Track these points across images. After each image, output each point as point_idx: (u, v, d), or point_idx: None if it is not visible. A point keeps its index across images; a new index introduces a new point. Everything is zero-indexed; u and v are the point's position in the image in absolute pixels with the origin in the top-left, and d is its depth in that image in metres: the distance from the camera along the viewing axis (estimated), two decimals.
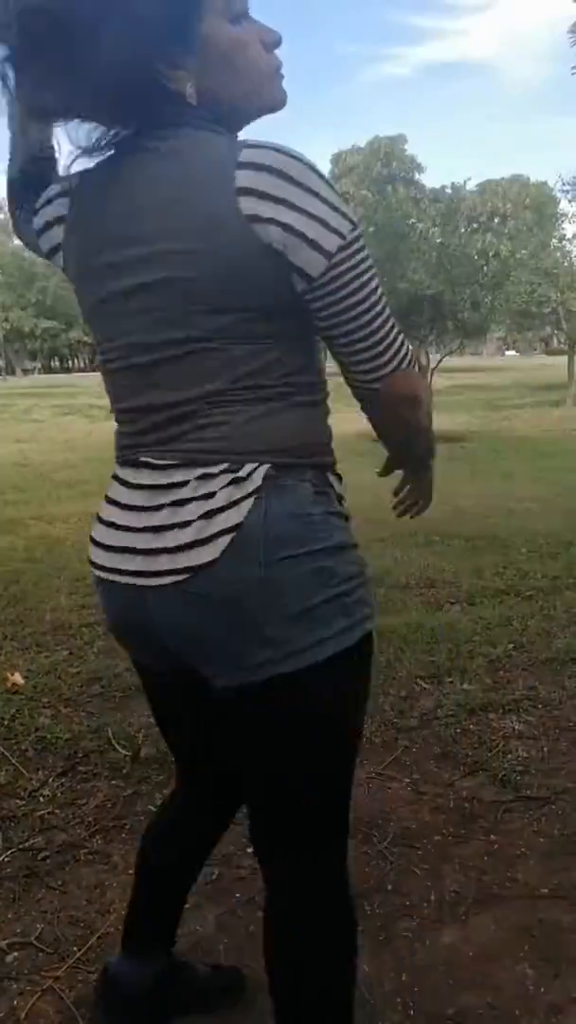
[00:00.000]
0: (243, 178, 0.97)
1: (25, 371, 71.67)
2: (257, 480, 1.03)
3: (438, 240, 12.61)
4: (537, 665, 3.22)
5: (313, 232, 0.98)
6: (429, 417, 1.17)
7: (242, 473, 1.04)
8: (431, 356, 14.00)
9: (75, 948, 1.76)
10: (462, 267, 12.13)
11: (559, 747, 2.58)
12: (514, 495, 7.11)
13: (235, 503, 1.03)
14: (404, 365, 1.09)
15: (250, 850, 2.06)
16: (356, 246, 1.02)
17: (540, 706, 2.86)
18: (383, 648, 3.39)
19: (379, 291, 1.05)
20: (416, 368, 1.11)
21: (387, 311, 1.06)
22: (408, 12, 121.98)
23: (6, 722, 2.81)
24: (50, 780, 2.44)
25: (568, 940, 1.75)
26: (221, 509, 1.03)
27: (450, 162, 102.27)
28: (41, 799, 2.35)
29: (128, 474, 1.12)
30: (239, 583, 1.03)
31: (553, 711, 2.83)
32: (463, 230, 14.03)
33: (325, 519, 1.08)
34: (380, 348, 1.06)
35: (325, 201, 0.99)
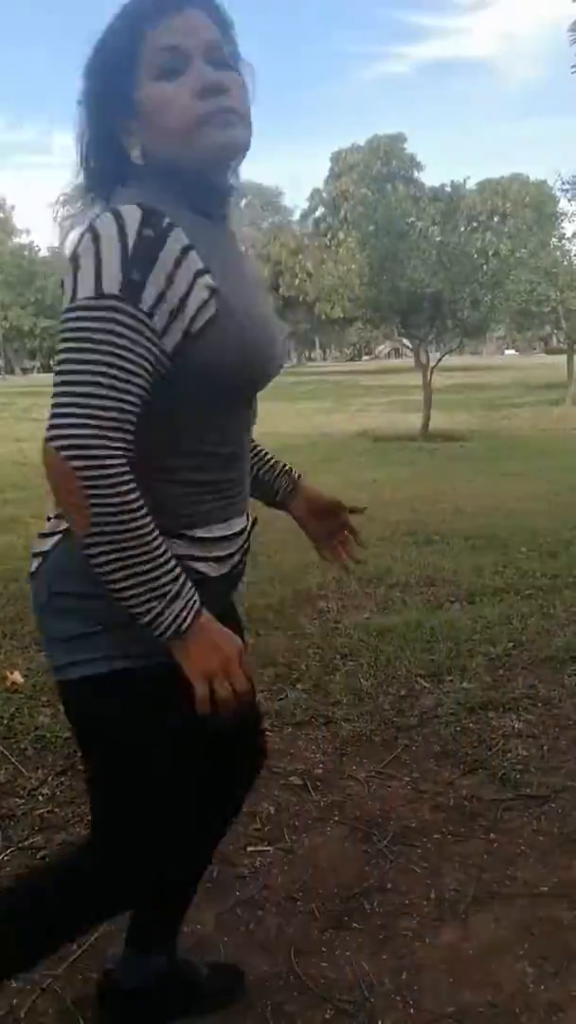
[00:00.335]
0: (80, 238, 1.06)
1: (24, 370, 71.59)
2: (65, 523, 1.12)
3: (438, 239, 12.60)
4: (537, 663, 3.22)
5: (64, 291, 1.03)
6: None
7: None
8: (431, 355, 13.99)
9: (74, 947, 1.76)
10: (462, 266, 12.13)
11: (559, 745, 2.58)
12: (514, 494, 7.10)
13: (50, 535, 1.18)
14: (52, 440, 0.98)
15: (250, 848, 2.07)
16: (76, 313, 1.00)
17: (540, 704, 2.86)
18: (383, 647, 3.39)
19: (72, 365, 0.98)
20: (67, 461, 0.97)
21: (69, 387, 0.98)
22: (407, 10, 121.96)
23: (5, 721, 2.80)
24: (49, 779, 2.44)
25: (568, 938, 1.75)
26: (44, 535, 1.20)
27: (450, 161, 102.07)
28: (40, 798, 2.35)
29: None
30: (36, 599, 1.22)
31: (553, 709, 2.82)
32: (463, 229, 14.01)
33: None
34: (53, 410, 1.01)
35: (96, 262, 1.00)
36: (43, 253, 71.89)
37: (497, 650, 3.34)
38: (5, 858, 2.08)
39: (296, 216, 59.38)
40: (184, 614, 1.05)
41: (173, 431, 1.12)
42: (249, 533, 1.29)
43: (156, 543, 1.02)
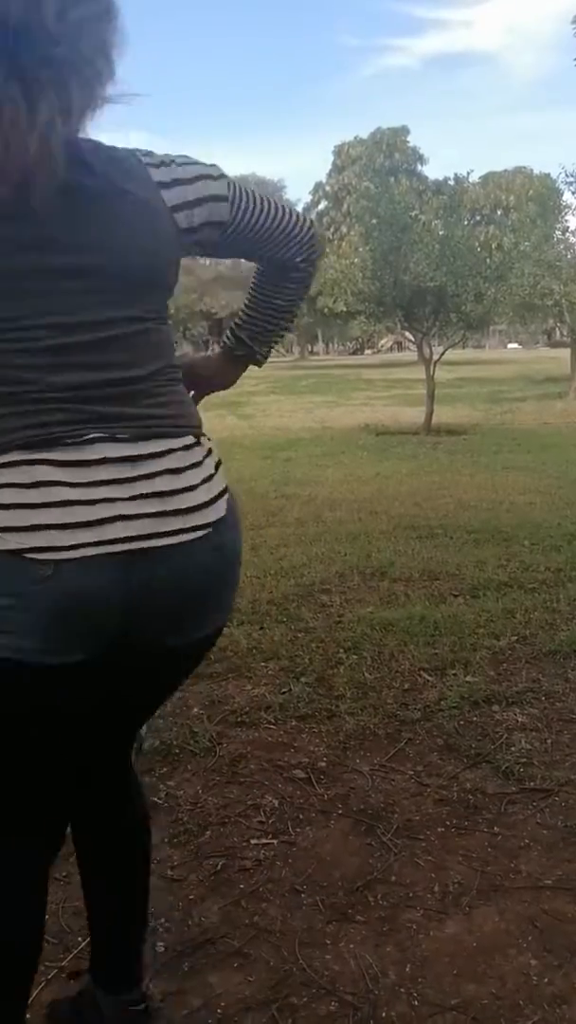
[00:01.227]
0: None
1: None
2: (216, 452, 1.23)
3: (441, 232, 12.56)
4: (540, 657, 3.22)
5: None
6: None
7: (208, 445, 1.22)
8: (434, 349, 13.96)
9: (79, 939, 1.77)
10: (465, 259, 12.08)
11: (562, 739, 2.58)
12: (517, 488, 7.10)
13: (218, 471, 1.21)
14: None
15: (254, 841, 2.07)
16: None
17: (543, 698, 2.86)
18: (386, 641, 3.40)
19: None
20: None
21: None
22: (412, 3, 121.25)
23: None
24: None
25: (571, 931, 1.76)
26: (212, 476, 1.19)
27: (453, 154, 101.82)
28: None
29: (71, 453, 1.10)
30: (236, 538, 1.23)
31: (556, 703, 2.83)
32: (466, 222, 13.98)
33: None
34: None
35: None
36: None
37: (500, 644, 3.34)
38: None
39: (299, 209, 59.23)
40: None
41: None
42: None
43: None
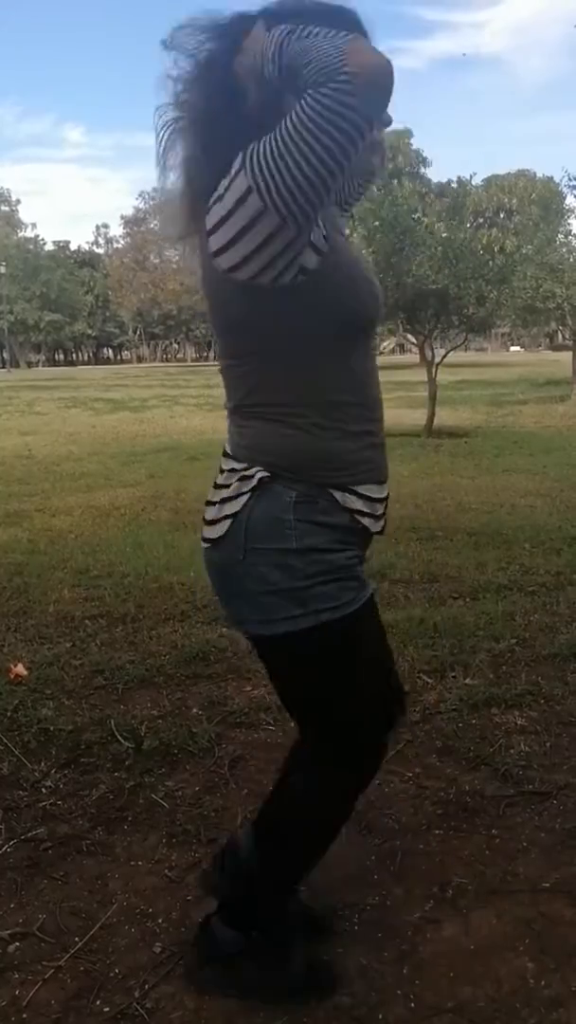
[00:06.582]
0: None
1: (29, 364, 71.61)
2: (254, 482, 1.33)
3: (444, 235, 12.53)
4: (540, 660, 3.21)
5: None
6: None
7: (248, 472, 1.35)
8: (436, 351, 13.95)
9: (76, 939, 1.77)
10: (467, 262, 12.06)
11: (561, 742, 2.58)
12: (517, 490, 7.09)
13: (238, 496, 1.35)
14: None
15: None
16: None
17: (542, 701, 2.86)
18: None
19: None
20: None
21: None
22: (420, 5, 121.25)
23: (9, 713, 2.81)
24: (52, 771, 2.45)
25: (569, 934, 1.76)
26: (229, 499, 1.36)
27: (456, 156, 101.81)
28: (43, 790, 2.35)
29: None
30: (229, 559, 1.37)
31: (555, 706, 2.82)
32: (469, 225, 13.95)
33: (300, 525, 1.32)
34: None
35: None
36: (49, 247, 71.89)
37: (500, 647, 3.34)
38: (8, 849, 2.08)
39: None
40: None
41: (313, 388, 1.40)
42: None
43: None
